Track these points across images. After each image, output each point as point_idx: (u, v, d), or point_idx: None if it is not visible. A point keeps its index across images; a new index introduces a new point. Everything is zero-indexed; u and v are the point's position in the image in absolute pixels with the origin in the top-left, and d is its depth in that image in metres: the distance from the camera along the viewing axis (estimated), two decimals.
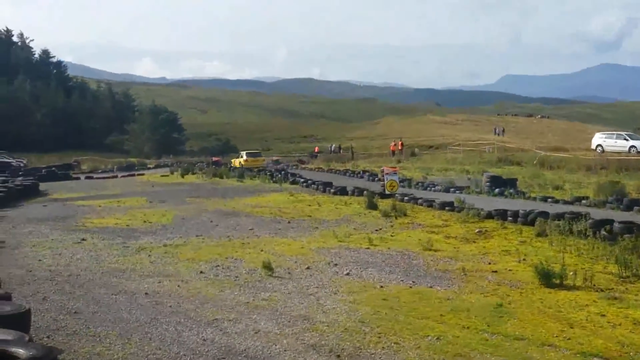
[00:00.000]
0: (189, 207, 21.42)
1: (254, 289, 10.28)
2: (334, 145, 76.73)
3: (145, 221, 18.05)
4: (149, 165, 54.14)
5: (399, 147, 61.34)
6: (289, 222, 17.71)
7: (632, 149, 42.28)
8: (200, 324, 8.37)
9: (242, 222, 17.72)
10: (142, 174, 42.21)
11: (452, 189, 25.92)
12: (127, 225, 17.23)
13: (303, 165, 51.11)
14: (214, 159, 53.05)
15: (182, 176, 37.90)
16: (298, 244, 14.42)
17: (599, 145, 45.66)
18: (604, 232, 13.70)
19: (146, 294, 9.93)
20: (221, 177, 35.79)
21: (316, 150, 73.43)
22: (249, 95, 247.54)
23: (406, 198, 21.88)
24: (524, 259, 12.25)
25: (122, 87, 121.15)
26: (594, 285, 10.15)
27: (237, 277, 11.17)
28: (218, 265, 12.05)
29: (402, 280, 10.88)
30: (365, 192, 22.78)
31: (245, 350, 7.39)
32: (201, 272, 11.53)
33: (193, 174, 39.55)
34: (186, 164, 46.83)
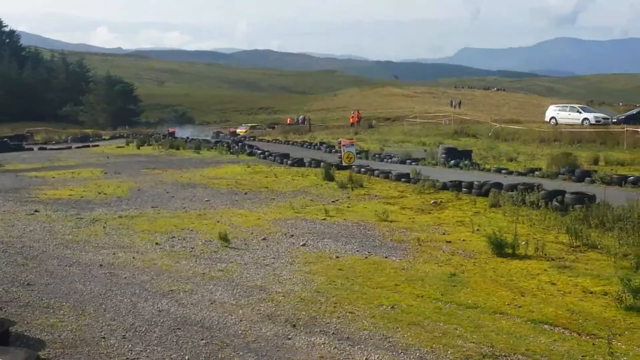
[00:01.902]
0: (144, 178, 21.25)
1: (210, 260, 10.27)
2: (301, 116, 76.49)
3: (100, 193, 17.86)
4: (104, 137, 53.45)
5: (357, 119, 61.44)
6: (245, 194, 17.68)
7: (585, 121, 43.03)
8: (156, 295, 8.35)
9: (199, 194, 17.65)
10: (97, 145, 41.67)
11: (409, 161, 26.13)
12: (81, 197, 17.04)
13: (260, 137, 50.93)
14: (170, 130, 52.54)
15: (138, 147, 37.59)
16: (254, 215, 14.42)
17: (553, 117, 46.37)
18: (556, 203, 13.94)
19: (101, 265, 9.86)
20: (178, 149, 35.57)
21: (288, 122, 73.14)
22: (207, 67, 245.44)
23: (363, 169, 22.01)
24: (477, 230, 12.42)
25: (77, 57, 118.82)
26: (545, 254, 10.34)
27: (193, 248, 11.14)
28: (174, 237, 12.00)
29: (357, 251, 10.95)
30: (322, 163, 22.83)
31: (200, 320, 7.40)
32: (157, 243, 11.47)
33: (149, 145, 39.21)
34: (142, 136, 46.38)
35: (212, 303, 8.03)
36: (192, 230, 12.68)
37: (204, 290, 8.59)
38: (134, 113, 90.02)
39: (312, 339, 6.83)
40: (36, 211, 14.74)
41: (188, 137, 43.99)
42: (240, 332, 7.05)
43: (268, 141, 44.71)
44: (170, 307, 7.86)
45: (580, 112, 45.02)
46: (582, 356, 6.33)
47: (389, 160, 27.53)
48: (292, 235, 12.19)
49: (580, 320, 7.38)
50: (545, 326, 7.22)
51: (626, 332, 6.99)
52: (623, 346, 6.56)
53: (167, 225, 13.06)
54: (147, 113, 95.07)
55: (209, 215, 14.40)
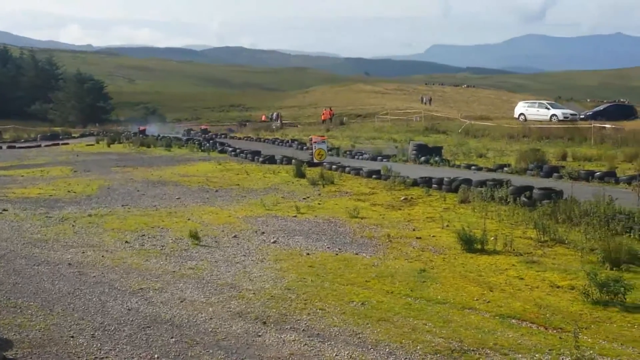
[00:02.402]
0: (115, 176, 21.10)
1: (180, 258, 10.25)
2: (275, 113, 76.10)
3: (69, 191, 17.71)
4: (74, 135, 52.78)
5: (328, 116, 61.45)
6: (216, 191, 17.64)
7: (553, 117, 43.58)
8: (125, 293, 8.32)
9: (169, 191, 17.57)
10: (67, 144, 41.16)
11: (380, 158, 26.20)
12: (50, 196, 16.89)
13: (232, 134, 50.67)
14: (141, 127, 52.03)
15: (109, 145, 37.24)
16: (225, 212, 14.39)
17: (522, 114, 46.91)
18: (524, 198, 14.09)
19: (69, 264, 9.79)
20: (148, 147, 35.27)
21: (263, 119, 72.76)
22: (179, 64, 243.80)
23: (334, 166, 22.07)
24: (447, 225, 12.51)
25: (46, 54, 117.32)
26: (514, 249, 10.46)
27: (163, 246, 11.11)
28: (144, 235, 11.95)
29: (328, 248, 10.99)
30: (293, 160, 22.86)
31: (170, 319, 7.38)
32: (126, 241, 11.41)
33: (120, 143, 38.89)
34: (112, 133, 46.02)
35: (182, 301, 8.02)
36: (162, 228, 12.63)
37: (174, 288, 8.57)
38: (104, 111, 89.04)
39: (282, 336, 6.85)
40: (4, 210, 14.58)
41: (159, 135, 43.63)
42: (210, 329, 7.06)
43: (239, 138, 44.52)
44: (139, 305, 7.84)
45: (548, 109, 45.61)
46: (549, 350, 6.42)
47: (360, 157, 27.60)
48: (263, 233, 12.20)
49: (547, 315, 7.48)
50: (513, 321, 7.31)
51: (592, 326, 7.10)
52: (589, 340, 6.67)
53: (137, 224, 12.99)
54: (118, 111, 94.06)
55: (179, 213, 14.35)
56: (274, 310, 7.65)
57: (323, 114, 63.43)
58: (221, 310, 7.68)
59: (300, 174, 20.04)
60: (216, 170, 22.77)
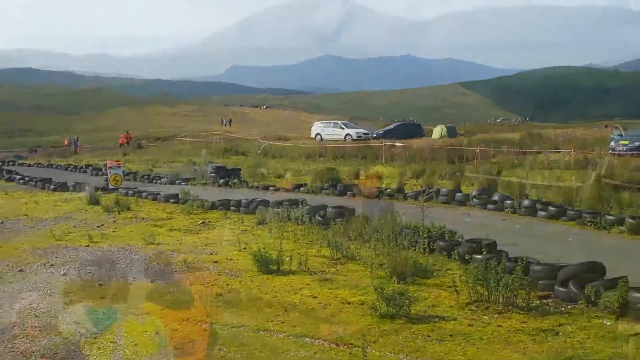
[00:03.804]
0: None
1: None
2: (75, 137, 72.51)
3: None
4: None
5: (125, 140, 59.87)
6: (2, 223, 16.59)
7: (347, 136, 45.36)
8: None
9: None
10: None
11: (178, 181, 25.94)
12: None
13: (21, 161, 47.84)
14: None
15: None
16: (11, 245, 13.56)
17: (318, 133, 48.35)
18: (319, 217, 14.49)
19: None
20: None
21: (65, 144, 68.83)
22: None
23: (130, 192, 21.59)
24: (244, 248, 12.56)
25: None
26: (308, 268, 10.71)
27: None
28: None
29: (122, 277, 10.67)
30: (87, 187, 22.05)
31: None
32: None
33: None
34: None
35: None
36: None
37: None
38: None
39: None
40: None
41: None
42: None
43: (29, 165, 42.23)
44: None
45: (343, 128, 47.41)
46: None
47: (159, 181, 27.15)
48: (52, 265, 11.63)
49: (339, 331, 7.71)
50: (307, 339, 7.47)
51: (380, 339, 7.41)
52: (377, 353, 6.95)
53: None
54: None
55: None
56: (62, 347, 7.30)
57: (120, 137, 61.71)
58: (3, 351, 7.21)
59: (94, 201, 19.40)
60: (1, 200, 21.45)
